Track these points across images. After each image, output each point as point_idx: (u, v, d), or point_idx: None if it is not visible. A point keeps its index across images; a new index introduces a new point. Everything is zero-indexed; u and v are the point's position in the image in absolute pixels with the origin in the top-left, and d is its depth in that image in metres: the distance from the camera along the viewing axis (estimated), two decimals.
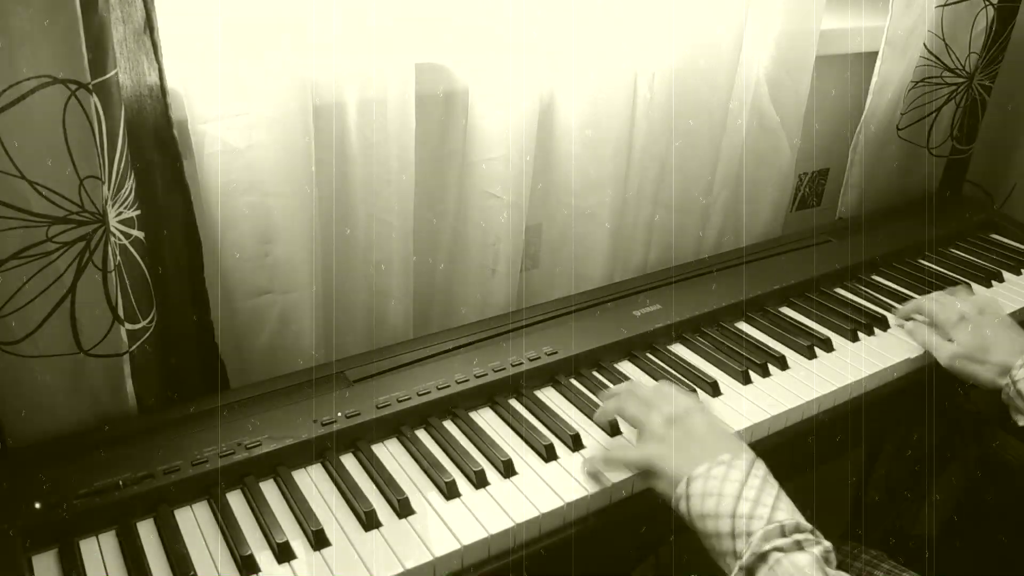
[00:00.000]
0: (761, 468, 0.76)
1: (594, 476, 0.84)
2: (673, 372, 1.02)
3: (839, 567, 0.69)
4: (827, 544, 0.69)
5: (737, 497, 0.72)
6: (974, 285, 1.28)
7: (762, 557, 0.68)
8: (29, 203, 0.74)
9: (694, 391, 0.98)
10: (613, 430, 0.91)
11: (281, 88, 0.92)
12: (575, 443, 0.89)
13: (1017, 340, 1.02)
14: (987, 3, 1.41)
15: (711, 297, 1.15)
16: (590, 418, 0.93)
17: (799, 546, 0.68)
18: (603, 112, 1.17)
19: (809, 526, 0.71)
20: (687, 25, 1.18)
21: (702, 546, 0.75)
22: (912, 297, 1.20)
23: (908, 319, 1.14)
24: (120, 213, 0.83)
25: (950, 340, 1.05)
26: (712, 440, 0.79)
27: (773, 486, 0.74)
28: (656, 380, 1.00)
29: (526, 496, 0.82)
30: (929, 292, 1.19)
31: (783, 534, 0.69)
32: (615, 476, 0.84)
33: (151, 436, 0.84)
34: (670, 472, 0.77)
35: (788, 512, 0.71)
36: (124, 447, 0.82)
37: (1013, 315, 1.20)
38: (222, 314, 0.99)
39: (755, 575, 0.68)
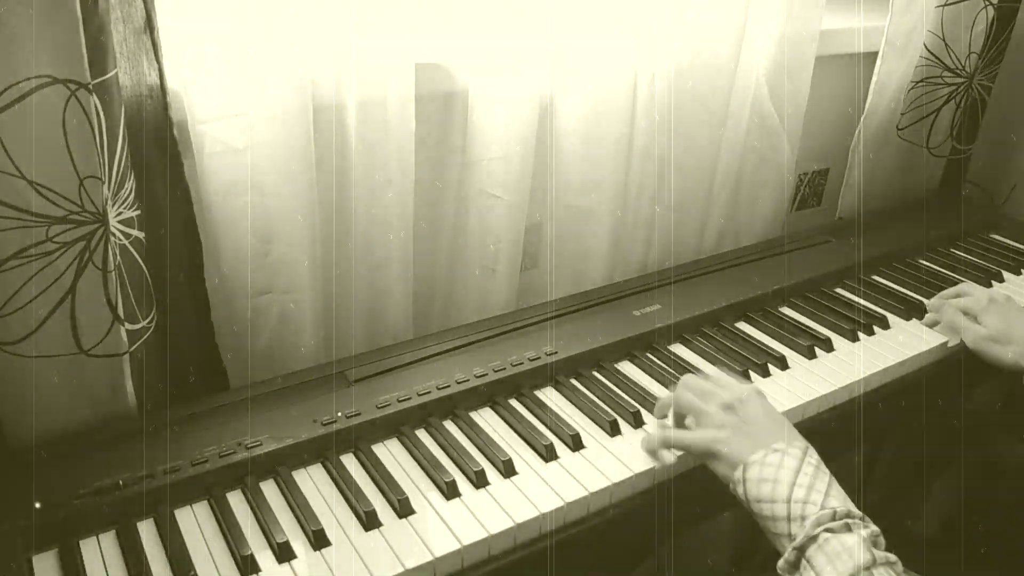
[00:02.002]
0: (814, 456, 0.79)
1: (651, 454, 0.87)
2: (673, 372, 1.02)
3: None
4: (875, 528, 0.73)
5: (791, 484, 0.76)
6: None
7: (813, 538, 0.72)
8: (29, 203, 0.74)
9: (747, 376, 1.02)
10: (612, 430, 0.91)
11: (281, 88, 0.92)
12: (575, 443, 0.89)
13: None
14: (987, 3, 1.41)
15: (711, 297, 1.15)
16: (590, 418, 0.93)
17: (848, 528, 0.72)
18: (603, 112, 1.17)
19: (859, 513, 0.74)
20: (687, 25, 1.18)
21: (702, 546, 0.75)
22: (913, 297, 1.21)
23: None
24: (120, 213, 0.83)
25: (977, 324, 1.08)
26: (768, 425, 0.83)
27: (825, 474, 0.77)
28: (655, 380, 1.01)
29: (526, 496, 0.82)
30: (929, 292, 1.20)
31: (834, 519, 0.73)
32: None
33: (151, 436, 0.84)
34: (729, 457, 0.81)
35: (840, 500, 0.75)
36: (124, 447, 0.82)
37: None
38: (222, 314, 0.99)
39: (806, 552, 0.72)
